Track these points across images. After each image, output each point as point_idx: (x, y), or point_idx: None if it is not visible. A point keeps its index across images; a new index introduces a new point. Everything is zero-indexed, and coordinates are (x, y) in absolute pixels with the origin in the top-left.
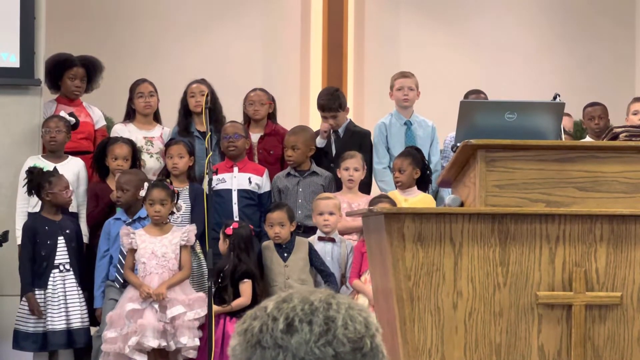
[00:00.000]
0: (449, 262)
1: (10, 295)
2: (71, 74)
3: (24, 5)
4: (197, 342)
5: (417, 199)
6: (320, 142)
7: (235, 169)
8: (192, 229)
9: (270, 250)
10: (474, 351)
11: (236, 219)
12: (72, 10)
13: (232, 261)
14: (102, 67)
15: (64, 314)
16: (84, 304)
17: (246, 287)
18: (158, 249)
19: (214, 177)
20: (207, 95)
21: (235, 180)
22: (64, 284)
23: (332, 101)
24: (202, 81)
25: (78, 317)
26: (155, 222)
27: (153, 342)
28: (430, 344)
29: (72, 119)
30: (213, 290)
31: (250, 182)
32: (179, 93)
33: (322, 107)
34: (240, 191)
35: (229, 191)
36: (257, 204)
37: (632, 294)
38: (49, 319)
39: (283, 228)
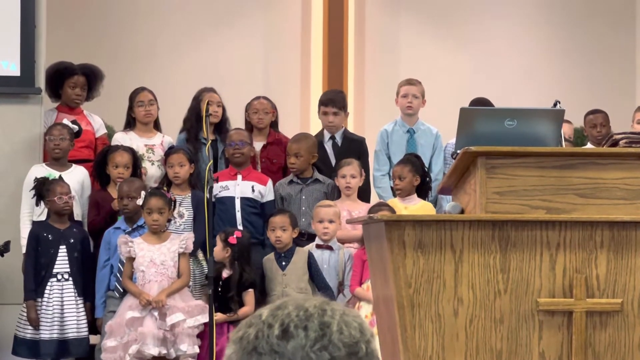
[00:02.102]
0: (450, 269)
1: (12, 303)
2: (72, 82)
3: (25, 14)
4: (196, 350)
5: (417, 207)
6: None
7: (239, 177)
8: (190, 236)
9: (270, 261)
10: (475, 358)
11: (239, 226)
12: (72, 18)
13: (237, 270)
14: (102, 75)
15: (57, 323)
16: (82, 313)
17: (250, 296)
18: (157, 257)
19: (217, 185)
20: (207, 104)
21: (239, 188)
22: (62, 293)
23: (338, 96)
24: (213, 90)
25: (74, 327)
26: (153, 231)
27: (153, 350)
28: (431, 351)
29: (75, 127)
30: (216, 298)
31: (253, 190)
32: (179, 100)
33: (327, 101)
34: (243, 199)
35: (232, 199)
36: (259, 213)
37: (633, 300)
38: (42, 328)
39: (285, 232)
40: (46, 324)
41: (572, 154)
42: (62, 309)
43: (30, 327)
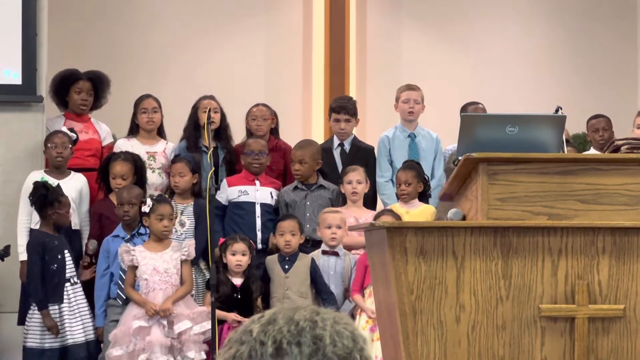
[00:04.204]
0: (452, 276)
1: (11, 312)
2: (77, 88)
3: (26, 22)
4: (203, 356)
5: (418, 211)
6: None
7: (257, 182)
8: (192, 243)
9: (273, 262)
10: None
11: (259, 232)
12: (74, 26)
13: (255, 276)
14: (108, 81)
15: (81, 326)
16: (89, 319)
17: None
18: (160, 264)
19: (235, 189)
20: (208, 111)
21: (259, 194)
22: (76, 297)
23: (349, 103)
24: (212, 97)
25: (92, 329)
26: (162, 237)
27: (162, 359)
28: (433, 357)
29: (74, 135)
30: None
31: (272, 196)
32: (182, 108)
33: (338, 108)
34: (262, 205)
35: (253, 204)
36: (273, 219)
37: (635, 306)
38: (68, 333)
39: (294, 237)
40: (73, 328)
41: (573, 160)
42: (80, 312)
43: (48, 336)
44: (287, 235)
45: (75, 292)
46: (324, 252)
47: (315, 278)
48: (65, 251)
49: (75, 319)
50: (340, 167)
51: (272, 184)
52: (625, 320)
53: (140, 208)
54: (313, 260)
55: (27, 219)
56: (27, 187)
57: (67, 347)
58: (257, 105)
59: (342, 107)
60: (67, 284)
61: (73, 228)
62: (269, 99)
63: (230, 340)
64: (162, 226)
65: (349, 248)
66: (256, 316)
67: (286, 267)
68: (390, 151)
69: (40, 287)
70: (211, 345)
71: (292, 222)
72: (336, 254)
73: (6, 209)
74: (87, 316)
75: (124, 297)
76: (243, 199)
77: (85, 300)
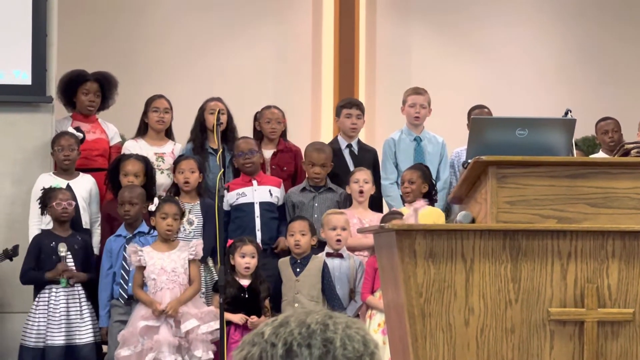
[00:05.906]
0: (461, 279)
1: (17, 312)
2: (85, 88)
3: (36, 23)
4: (211, 356)
5: (425, 212)
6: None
7: (254, 182)
8: (199, 242)
9: (285, 265)
10: None
11: (258, 232)
12: (83, 27)
13: (261, 276)
14: (116, 82)
15: (64, 329)
16: (88, 319)
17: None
18: (167, 264)
19: (233, 192)
20: (217, 112)
21: (257, 194)
22: (67, 299)
23: (358, 101)
24: (219, 99)
25: (78, 333)
26: (166, 237)
27: (169, 358)
28: None
29: (80, 134)
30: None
31: (271, 194)
32: (191, 110)
33: (349, 104)
34: (262, 204)
35: (251, 204)
36: (277, 217)
37: None
38: (48, 334)
39: (304, 237)
40: (54, 330)
41: (583, 164)
42: (69, 315)
43: (35, 334)
44: (297, 235)
45: (74, 294)
46: (328, 254)
47: (324, 283)
48: (68, 254)
49: (57, 322)
50: (351, 168)
51: (271, 182)
52: (635, 324)
53: (142, 207)
54: (325, 264)
55: (38, 220)
56: (37, 189)
57: (66, 347)
58: (268, 107)
59: (353, 103)
60: (59, 286)
61: (84, 227)
62: (278, 101)
63: (244, 342)
64: (165, 225)
65: (352, 249)
66: (270, 319)
67: (297, 270)
68: (396, 154)
69: (34, 273)
70: (219, 346)
71: (303, 222)
72: (340, 256)
73: (16, 209)
74: (75, 319)
75: (126, 297)
76: (241, 200)
77: (78, 304)
